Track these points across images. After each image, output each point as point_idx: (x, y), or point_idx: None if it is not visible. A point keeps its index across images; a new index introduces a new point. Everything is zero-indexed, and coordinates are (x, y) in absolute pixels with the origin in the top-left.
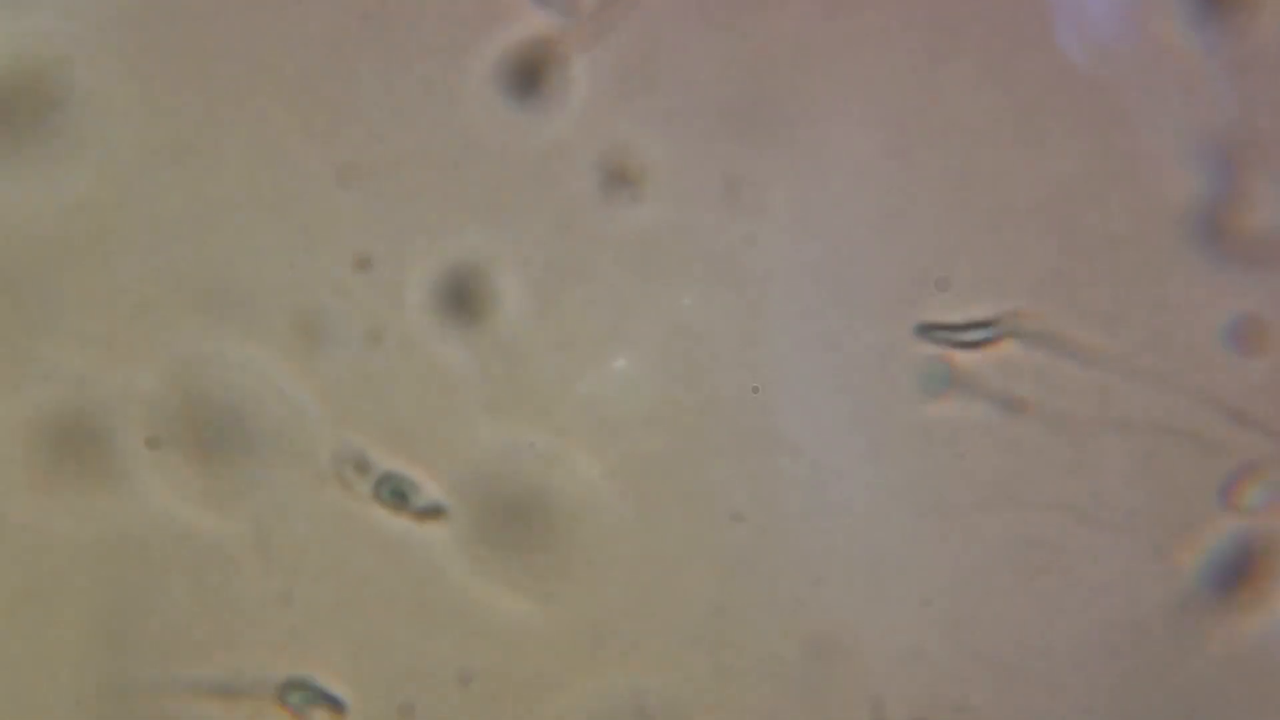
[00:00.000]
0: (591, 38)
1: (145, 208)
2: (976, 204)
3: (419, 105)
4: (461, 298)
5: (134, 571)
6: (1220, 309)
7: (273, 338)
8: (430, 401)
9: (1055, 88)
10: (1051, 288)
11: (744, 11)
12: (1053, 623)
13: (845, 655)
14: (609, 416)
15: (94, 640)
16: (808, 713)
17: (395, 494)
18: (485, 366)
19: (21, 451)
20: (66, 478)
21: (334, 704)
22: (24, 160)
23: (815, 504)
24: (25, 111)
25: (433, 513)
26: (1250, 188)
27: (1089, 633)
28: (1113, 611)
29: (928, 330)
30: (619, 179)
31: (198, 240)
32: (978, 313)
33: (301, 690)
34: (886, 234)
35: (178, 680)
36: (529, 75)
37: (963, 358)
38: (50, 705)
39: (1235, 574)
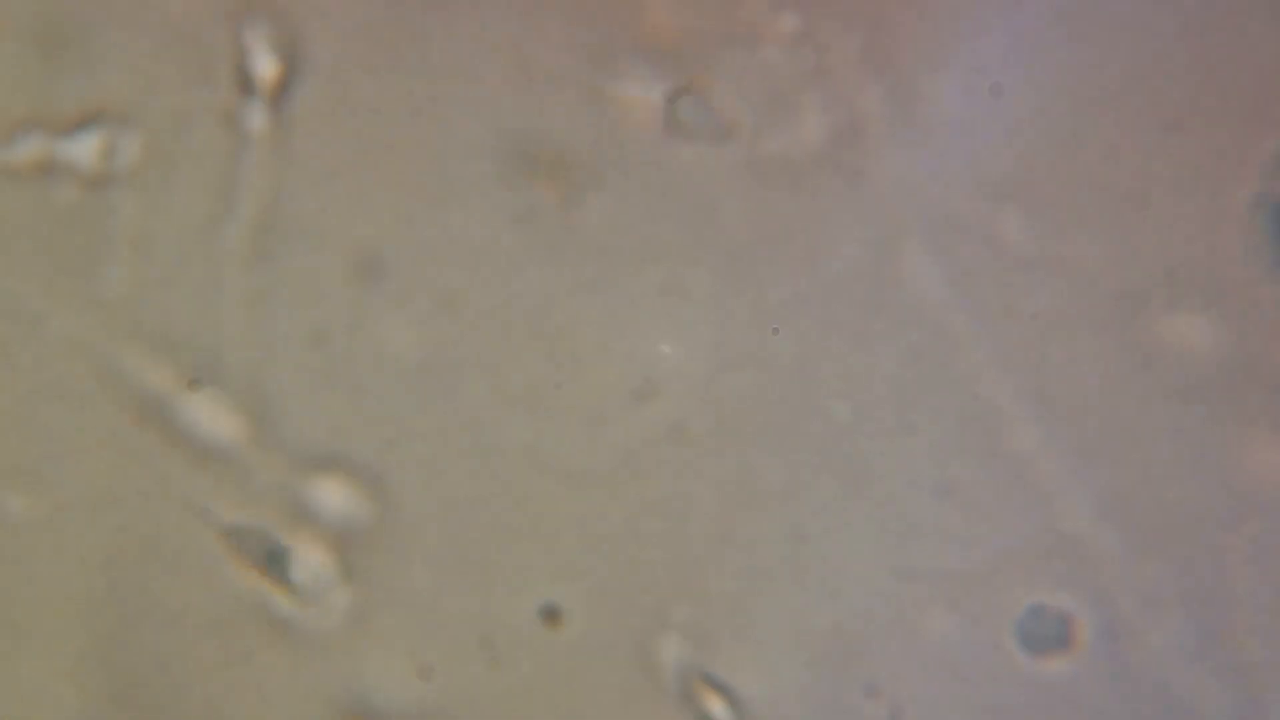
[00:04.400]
0: None
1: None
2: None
3: None
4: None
5: (134, 572)
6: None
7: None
8: (431, 401)
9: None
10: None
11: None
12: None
13: (855, 659)
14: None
15: (94, 640)
16: (807, 713)
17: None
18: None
19: (22, 451)
20: (68, 478)
21: None
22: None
23: (817, 504)
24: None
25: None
26: None
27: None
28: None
29: None
30: None
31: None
32: None
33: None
34: (887, 234)
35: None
36: None
37: None
38: (50, 705)
39: None
